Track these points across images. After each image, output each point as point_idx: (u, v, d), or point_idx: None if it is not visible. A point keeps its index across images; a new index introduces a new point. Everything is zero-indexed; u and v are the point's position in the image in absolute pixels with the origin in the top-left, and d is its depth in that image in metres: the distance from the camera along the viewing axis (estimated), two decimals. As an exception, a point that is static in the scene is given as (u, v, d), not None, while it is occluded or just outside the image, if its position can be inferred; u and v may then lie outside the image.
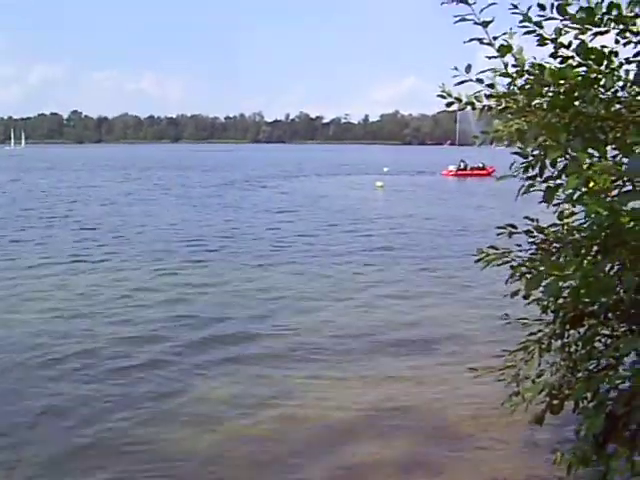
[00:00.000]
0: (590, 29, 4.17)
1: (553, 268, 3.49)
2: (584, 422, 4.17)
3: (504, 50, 3.88)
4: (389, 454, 6.63)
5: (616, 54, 4.01)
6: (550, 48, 4.13)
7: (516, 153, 4.46)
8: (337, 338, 10.32)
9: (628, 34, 4.22)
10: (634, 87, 4.10)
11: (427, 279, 15.25)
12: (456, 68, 4.16)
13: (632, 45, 4.24)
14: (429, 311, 12.14)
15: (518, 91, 4.07)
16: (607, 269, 3.65)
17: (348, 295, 13.41)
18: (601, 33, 4.18)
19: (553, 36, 4.14)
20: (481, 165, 61.41)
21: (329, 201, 35.64)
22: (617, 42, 4.25)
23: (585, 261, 3.82)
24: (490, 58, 4.06)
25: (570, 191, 3.64)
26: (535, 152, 4.35)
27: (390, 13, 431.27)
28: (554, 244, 4.65)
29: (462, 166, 62.16)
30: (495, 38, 3.94)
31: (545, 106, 4.00)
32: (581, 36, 4.20)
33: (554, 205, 4.41)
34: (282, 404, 7.86)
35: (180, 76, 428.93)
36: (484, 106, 4.66)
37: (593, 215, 3.57)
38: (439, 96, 4.87)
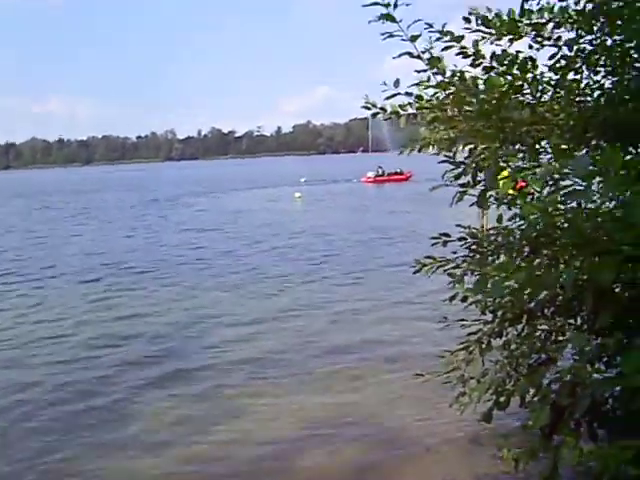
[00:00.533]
0: (505, 36, 4.37)
1: (499, 269, 3.61)
2: (530, 416, 4.31)
3: (434, 62, 4.00)
4: (338, 463, 6.68)
5: (534, 61, 4.20)
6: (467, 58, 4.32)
7: (445, 161, 4.61)
8: (274, 354, 10.30)
9: (540, 39, 4.44)
10: (557, 91, 4.30)
11: (362, 289, 15.32)
12: (385, 83, 4.28)
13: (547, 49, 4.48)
14: (366, 321, 12.18)
15: (447, 101, 4.19)
16: (547, 267, 3.80)
17: (284, 311, 13.33)
18: (515, 39, 4.39)
19: (471, 47, 4.32)
20: (399, 170, 62.56)
21: (250, 216, 35.44)
22: (530, 47, 4.46)
23: (522, 261, 3.98)
24: (419, 72, 4.19)
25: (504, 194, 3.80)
26: (467, 159, 4.51)
27: (297, 24, 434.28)
28: (488, 247, 4.81)
29: (380, 172, 63.14)
30: (424, 52, 4.06)
31: (474, 114, 4.14)
32: (499, 42, 4.40)
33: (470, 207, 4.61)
34: (225, 424, 7.80)
35: (89, 97, 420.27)
36: (409, 114, 4.81)
37: (528, 216, 3.72)
38: (364, 107, 4.98)
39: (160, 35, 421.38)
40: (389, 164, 62.56)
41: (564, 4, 4.38)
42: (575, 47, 4.40)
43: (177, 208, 44.01)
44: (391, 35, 4.01)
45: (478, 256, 4.90)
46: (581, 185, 3.43)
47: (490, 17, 4.37)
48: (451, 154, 4.73)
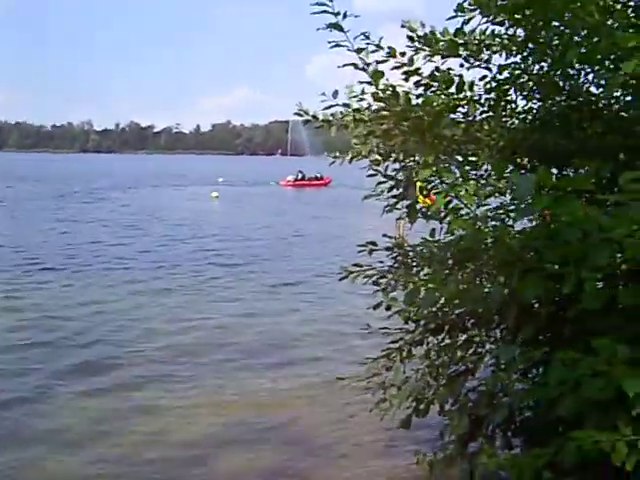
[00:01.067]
0: (439, 54, 4.52)
1: (428, 281, 3.74)
2: (449, 424, 4.47)
3: (377, 76, 4.10)
4: (254, 468, 6.68)
5: (472, 83, 4.37)
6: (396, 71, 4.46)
7: (374, 174, 4.77)
8: (192, 357, 10.19)
9: (471, 59, 4.61)
10: (489, 113, 4.48)
11: (281, 294, 15.30)
12: (324, 94, 4.38)
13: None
14: (286, 326, 12.18)
15: (384, 114, 4.30)
16: (473, 281, 3.96)
17: (201, 314, 13.14)
18: (445, 57, 4.55)
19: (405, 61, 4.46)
20: (318, 175, 63.18)
21: (168, 213, 34.89)
22: (461, 66, 4.63)
23: (449, 274, 4.13)
24: (362, 83, 4.30)
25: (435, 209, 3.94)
26: (398, 172, 4.66)
27: (219, 23, 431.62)
28: (413, 259, 4.96)
29: (300, 176, 63.53)
30: (368, 65, 4.15)
31: (408, 130, 4.27)
32: (432, 59, 4.55)
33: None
34: (141, 428, 7.68)
35: (2, 80, 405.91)
36: (341, 124, 4.93)
37: (457, 232, 3.87)
38: (297, 114, 5.07)
39: (85, 27, 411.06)
40: (308, 168, 63.04)
41: (496, 29, 4.57)
42: (505, 71, 4.60)
43: (95, 203, 42.67)
44: (338, 45, 4.10)
45: (403, 267, 5.05)
46: (512, 203, 3.60)
47: (422, 33, 4.52)
48: (382, 167, 4.88)
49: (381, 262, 5.07)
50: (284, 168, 69.22)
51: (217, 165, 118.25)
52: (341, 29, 4.04)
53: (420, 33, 4.50)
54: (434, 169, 3.95)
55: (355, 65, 4.19)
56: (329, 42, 4.12)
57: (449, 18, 4.40)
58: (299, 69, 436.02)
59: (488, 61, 4.61)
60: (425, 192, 4.56)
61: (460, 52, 4.53)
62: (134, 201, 44.06)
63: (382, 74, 4.16)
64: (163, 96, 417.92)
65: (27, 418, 7.82)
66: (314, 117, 4.99)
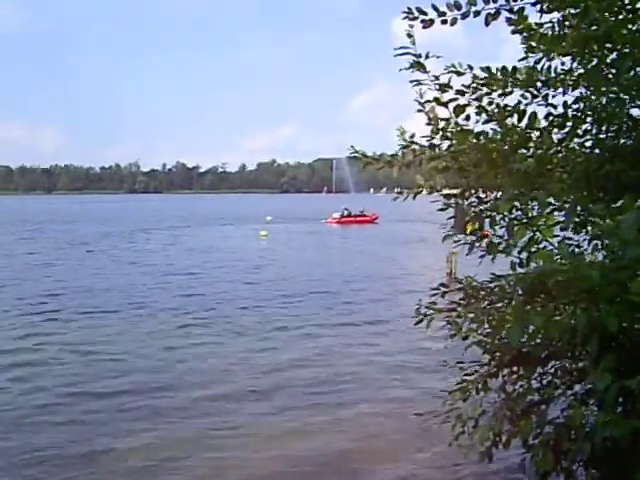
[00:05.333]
0: (496, 90, 4.61)
1: (514, 314, 3.78)
2: (532, 458, 4.46)
3: (459, 111, 4.22)
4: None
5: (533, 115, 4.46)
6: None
7: (444, 209, 4.82)
8: (267, 393, 10.41)
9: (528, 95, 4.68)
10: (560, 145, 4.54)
11: (347, 327, 15.49)
12: (403, 132, 4.51)
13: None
14: (351, 361, 12.27)
15: (461, 149, 4.40)
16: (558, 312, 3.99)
17: (276, 350, 13.36)
18: (506, 94, 4.64)
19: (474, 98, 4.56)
20: (365, 212, 63.74)
21: (223, 255, 34.56)
22: (519, 102, 4.70)
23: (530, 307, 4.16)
24: (429, 124, 4.43)
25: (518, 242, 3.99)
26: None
27: (263, 63, 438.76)
28: (485, 296, 5.00)
29: (345, 213, 63.99)
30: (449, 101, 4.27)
31: (485, 165, 4.35)
32: (491, 96, 4.64)
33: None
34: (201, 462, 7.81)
35: (53, 124, 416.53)
36: (403, 163, 5.04)
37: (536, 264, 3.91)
38: (354, 157, 5.18)
39: (125, 67, 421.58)
40: (354, 205, 63.43)
41: (552, 64, 4.68)
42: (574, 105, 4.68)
43: (149, 243, 43.24)
44: (419, 83, 4.24)
45: (474, 302, 5.09)
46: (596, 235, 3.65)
47: (478, 72, 4.63)
48: (453, 201, 4.94)
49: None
50: (330, 205, 69.24)
51: (264, 204, 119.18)
52: (424, 69, 4.18)
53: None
54: (515, 203, 4.00)
55: (437, 100, 4.31)
56: (411, 81, 4.26)
57: (521, 59, 4.54)
58: (342, 107, 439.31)
59: (546, 97, 4.69)
60: (478, 226, 4.61)
61: (538, 87, 4.61)
62: (188, 241, 44.22)
63: (463, 109, 4.27)
64: (208, 136, 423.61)
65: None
66: (374, 159, 5.11)
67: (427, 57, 4.15)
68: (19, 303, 19.13)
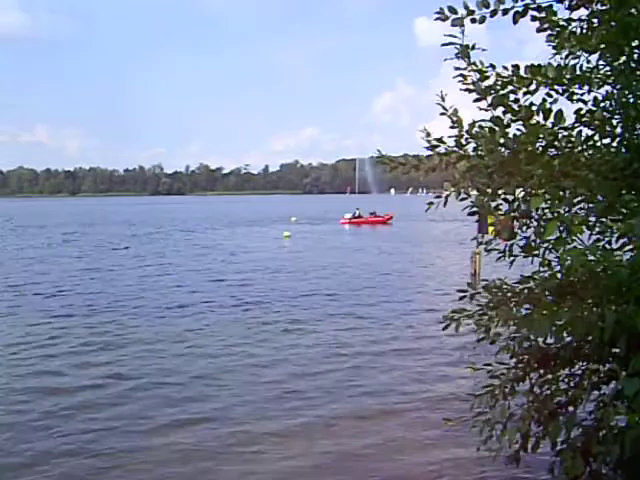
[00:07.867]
0: (521, 89, 4.57)
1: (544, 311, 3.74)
2: (562, 463, 4.40)
3: (499, 99, 4.24)
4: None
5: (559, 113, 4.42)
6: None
7: (475, 212, 4.77)
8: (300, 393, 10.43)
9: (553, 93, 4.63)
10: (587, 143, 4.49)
11: (377, 330, 15.35)
12: (428, 134, 4.50)
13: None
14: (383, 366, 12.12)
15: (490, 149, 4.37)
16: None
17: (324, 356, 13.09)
18: (531, 92, 4.59)
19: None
20: (373, 212, 63.66)
21: (249, 256, 34.02)
22: (544, 100, 4.64)
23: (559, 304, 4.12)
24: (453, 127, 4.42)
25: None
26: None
27: (285, 64, 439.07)
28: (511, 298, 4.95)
29: (357, 214, 63.93)
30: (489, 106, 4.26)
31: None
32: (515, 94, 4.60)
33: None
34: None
35: (77, 127, 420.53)
36: (429, 167, 5.04)
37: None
38: (380, 162, 5.17)
39: (148, 69, 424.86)
40: (374, 206, 63.43)
41: (578, 62, 4.65)
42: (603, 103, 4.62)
43: (180, 244, 43.22)
44: (462, 75, 4.30)
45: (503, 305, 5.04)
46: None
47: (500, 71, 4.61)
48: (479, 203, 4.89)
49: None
50: (354, 206, 68.76)
51: (287, 204, 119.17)
52: (469, 58, 4.23)
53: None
54: (546, 198, 3.97)
55: (478, 99, 4.35)
56: (456, 68, 4.33)
57: (553, 55, 4.55)
58: (365, 108, 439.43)
59: (573, 94, 4.65)
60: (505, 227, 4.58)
61: (565, 84, 4.58)
62: (220, 242, 43.99)
63: (503, 99, 4.30)
64: (231, 138, 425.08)
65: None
66: (401, 163, 5.10)
67: (473, 48, 4.20)
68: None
